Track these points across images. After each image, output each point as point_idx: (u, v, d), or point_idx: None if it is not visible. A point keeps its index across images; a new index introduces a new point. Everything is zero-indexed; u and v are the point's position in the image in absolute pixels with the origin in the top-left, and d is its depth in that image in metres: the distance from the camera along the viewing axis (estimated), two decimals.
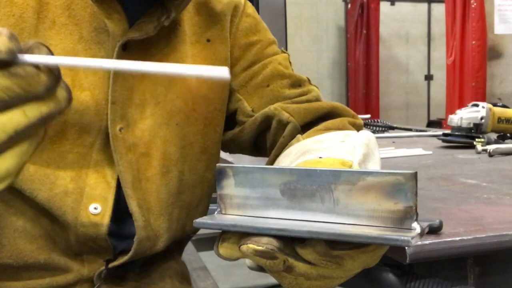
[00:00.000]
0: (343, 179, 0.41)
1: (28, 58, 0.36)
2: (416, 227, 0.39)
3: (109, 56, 0.65)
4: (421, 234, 0.39)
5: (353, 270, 0.43)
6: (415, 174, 0.38)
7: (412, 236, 0.37)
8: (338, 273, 0.42)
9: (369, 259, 0.42)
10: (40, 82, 0.37)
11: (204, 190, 0.76)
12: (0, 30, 0.35)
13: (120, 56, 0.64)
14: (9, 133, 0.36)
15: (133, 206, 0.66)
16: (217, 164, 0.46)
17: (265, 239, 0.40)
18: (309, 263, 0.41)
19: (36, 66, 0.36)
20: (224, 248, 0.44)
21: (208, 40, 0.75)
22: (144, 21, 0.66)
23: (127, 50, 0.66)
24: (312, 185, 0.42)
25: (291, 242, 0.41)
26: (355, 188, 0.41)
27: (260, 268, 0.47)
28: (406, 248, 0.46)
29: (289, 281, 0.44)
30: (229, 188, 0.46)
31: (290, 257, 0.41)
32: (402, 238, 0.37)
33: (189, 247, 2.56)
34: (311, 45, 5.61)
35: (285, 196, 0.43)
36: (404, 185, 0.39)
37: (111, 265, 0.67)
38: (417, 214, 0.39)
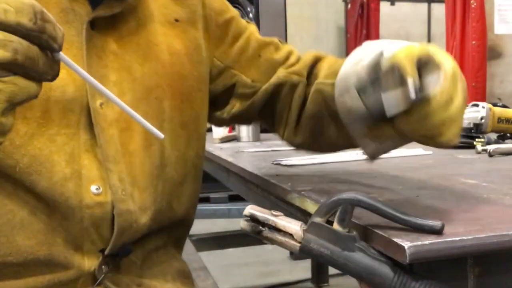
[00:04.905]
0: None
1: (64, 59, 0.47)
2: None
3: (79, 34, 0.67)
4: None
5: None
6: None
7: None
8: None
9: None
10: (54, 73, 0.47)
11: (187, 169, 0.78)
12: (52, 19, 0.45)
13: (89, 35, 0.67)
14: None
15: (113, 180, 0.67)
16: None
17: None
18: None
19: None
20: None
21: (177, 20, 0.79)
22: (108, 2, 0.69)
23: (96, 29, 0.69)
24: None
25: None
26: None
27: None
28: (406, 248, 0.46)
29: None
30: None
31: None
32: None
33: (189, 247, 2.55)
34: (311, 45, 5.61)
35: None
36: None
37: (107, 251, 0.68)
38: None
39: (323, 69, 0.83)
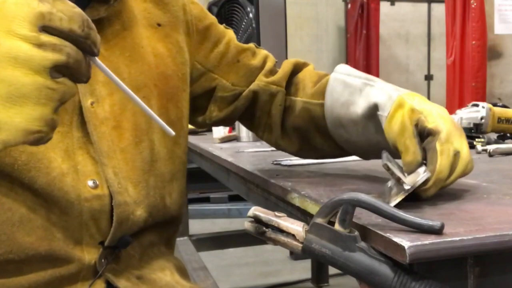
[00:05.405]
0: None
1: (98, 63, 0.51)
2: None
3: None
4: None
5: None
6: None
7: None
8: None
9: None
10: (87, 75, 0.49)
11: (176, 166, 0.81)
12: (94, 26, 0.49)
13: None
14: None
15: (108, 173, 0.69)
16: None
17: None
18: None
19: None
20: None
21: (159, 25, 0.82)
22: (94, 6, 0.72)
23: None
24: None
25: None
26: None
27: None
28: (406, 248, 0.46)
29: None
30: None
31: None
32: None
33: (189, 247, 2.56)
34: (311, 45, 5.61)
35: None
36: None
37: (107, 242, 0.69)
38: None
39: (307, 86, 0.88)
